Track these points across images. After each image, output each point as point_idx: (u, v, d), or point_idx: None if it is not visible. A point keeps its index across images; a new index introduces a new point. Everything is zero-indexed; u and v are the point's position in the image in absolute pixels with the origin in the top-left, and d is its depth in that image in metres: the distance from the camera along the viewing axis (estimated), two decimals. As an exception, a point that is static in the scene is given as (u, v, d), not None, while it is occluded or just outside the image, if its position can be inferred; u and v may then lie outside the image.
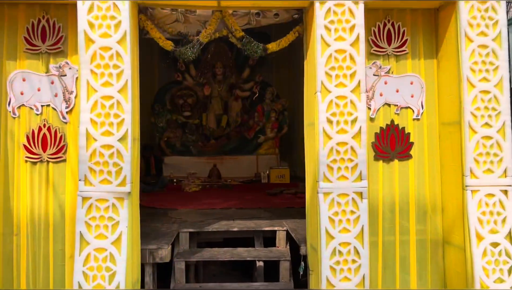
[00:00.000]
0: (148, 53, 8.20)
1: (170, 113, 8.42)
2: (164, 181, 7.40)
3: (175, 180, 7.64)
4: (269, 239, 4.88)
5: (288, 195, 6.63)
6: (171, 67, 8.22)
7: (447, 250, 4.25)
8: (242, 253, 4.56)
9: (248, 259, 4.41)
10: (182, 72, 8.45)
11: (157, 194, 6.78)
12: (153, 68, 8.70)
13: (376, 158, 4.29)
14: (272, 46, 4.39)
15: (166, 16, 4.41)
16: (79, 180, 3.85)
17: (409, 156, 4.31)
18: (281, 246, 4.78)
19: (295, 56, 7.90)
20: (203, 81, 8.54)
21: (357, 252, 3.92)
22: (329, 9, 3.95)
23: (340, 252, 3.90)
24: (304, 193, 4.43)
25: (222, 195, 6.67)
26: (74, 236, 3.94)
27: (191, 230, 4.77)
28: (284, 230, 4.82)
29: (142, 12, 4.24)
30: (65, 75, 4.13)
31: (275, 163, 8.13)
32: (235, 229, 4.81)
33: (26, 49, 4.12)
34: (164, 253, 4.25)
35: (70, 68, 4.14)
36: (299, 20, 4.38)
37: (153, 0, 4.09)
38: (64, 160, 4.13)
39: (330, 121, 3.97)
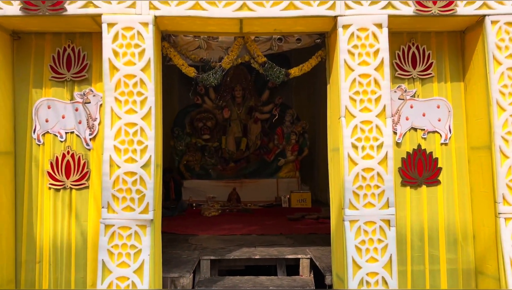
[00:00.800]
0: (169, 77, 8.38)
1: (190, 136, 8.50)
2: (184, 206, 7.42)
3: (194, 204, 7.66)
4: (292, 267, 4.81)
5: (310, 221, 6.55)
6: (190, 90, 8.37)
7: (480, 280, 4.14)
8: (265, 281, 4.50)
9: (270, 288, 4.36)
10: (201, 95, 8.57)
11: (177, 218, 6.80)
12: (173, 91, 8.85)
13: (403, 184, 4.25)
14: (294, 72, 4.43)
15: (189, 43, 4.50)
16: (102, 207, 3.89)
17: (437, 182, 4.25)
18: (305, 275, 4.71)
19: (315, 77, 7.96)
20: (222, 104, 8.64)
21: (385, 282, 3.84)
22: (352, 34, 3.99)
23: (367, 282, 3.83)
24: (326, 218, 4.43)
25: (242, 220, 6.64)
26: (96, 264, 3.96)
27: (212, 257, 4.75)
28: (308, 258, 4.75)
29: (165, 40, 4.35)
30: (89, 102, 4.25)
31: (296, 186, 8.08)
32: (257, 257, 4.77)
33: (52, 77, 4.25)
34: (185, 282, 4.23)
35: (94, 96, 4.26)
36: (321, 44, 4.43)
37: (176, 28, 4.20)
38: (87, 187, 4.20)
39: (355, 147, 3.98)
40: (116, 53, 3.98)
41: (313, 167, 8.73)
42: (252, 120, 8.72)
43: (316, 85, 8.31)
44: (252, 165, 8.51)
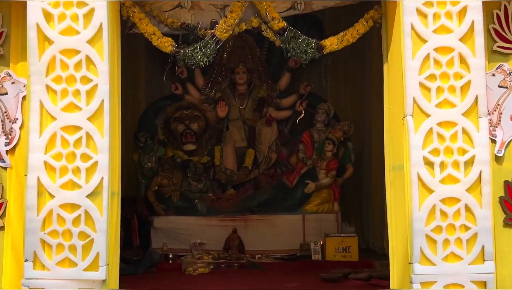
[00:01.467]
0: (131, 53, 8.31)
1: (164, 147, 8.46)
2: (154, 258, 7.37)
3: (171, 255, 7.60)
4: None
5: (356, 282, 6.52)
6: (165, 73, 8.38)
7: None
8: None
9: None
10: (182, 82, 8.58)
11: (143, 278, 6.79)
12: (138, 75, 8.87)
13: (508, 223, 4.27)
14: (331, 43, 4.49)
15: (164, 0, 4.57)
16: (25, 260, 3.91)
17: None
18: None
19: (364, 53, 7.91)
20: (215, 96, 8.65)
21: None
22: (423, -14, 4.07)
23: None
24: (383, 278, 4.45)
25: (247, 281, 6.60)
26: None
27: None
28: None
29: (126, -6, 4.43)
30: (5, 94, 4.29)
31: (334, 227, 8.01)
32: None
33: None
34: None
35: (13, 83, 4.30)
36: (374, 0, 4.49)
37: (144, -25, 4.29)
38: (1, 228, 4.22)
39: (429, 163, 4.02)
40: (48, 16, 4.02)
41: (361, 195, 8.65)
42: (263, 121, 8.71)
43: (365, 66, 8.23)
44: (263, 193, 8.44)
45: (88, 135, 3.99)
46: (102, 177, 3.96)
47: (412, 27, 4.05)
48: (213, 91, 8.75)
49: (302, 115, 8.47)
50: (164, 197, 8.26)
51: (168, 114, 8.60)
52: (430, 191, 4.01)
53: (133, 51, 8.26)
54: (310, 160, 8.48)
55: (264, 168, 8.62)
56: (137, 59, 8.70)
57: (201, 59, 4.45)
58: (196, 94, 8.74)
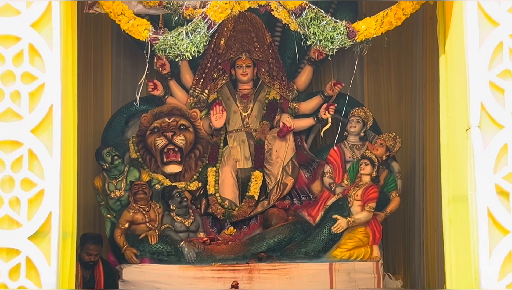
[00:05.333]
0: (93, 40, 8.45)
1: (137, 168, 8.47)
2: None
3: (146, 320, 7.62)
4: None
5: None
6: (138, 67, 8.40)
7: None
8: None
9: None
10: (164, 78, 8.59)
11: None
12: (102, 69, 8.87)
13: None
14: (368, 27, 4.55)
15: (136, -34, 4.62)
16: None
17: None
18: None
19: (413, 42, 7.92)
20: (208, 98, 8.66)
21: None
22: None
23: None
24: None
25: None
26: None
27: None
28: None
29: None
30: None
31: (372, 280, 8.01)
32: None
33: None
34: None
35: None
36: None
37: None
38: None
39: (503, 193, 4.06)
40: (-23, -10, 4.09)
41: (412, 236, 8.67)
42: (275, 133, 8.71)
43: (416, 57, 8.24)
44: (276, 233, 8.38)
45: (32, 154, 4.02)
46: (51, 212, 3.98)
47: (479, 5, 4.09)
48: (206, 91, 8.77)
49: (329, 124, 8.46)
50: (138, 239, 8.25)
51: (143, 123, 8.58)
52: (505, 231, 4.03)
53: (96, 36, 8.31)
54: (340, 187, 8.48)
55: (276, 199, 8.59)
56: (101, 47, 8.73)
57: (188, 49, 4.47)
58: (182, 96, 8.76)
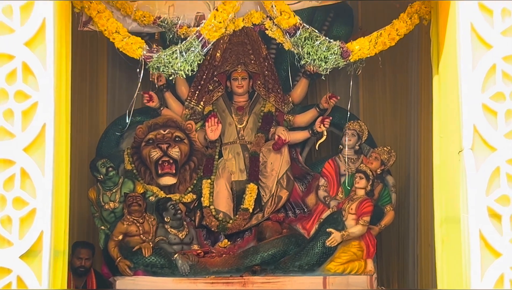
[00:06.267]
0: (87, 53, 8.46)
1: (132, 180, 8.44)
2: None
3: (139, 333, 7.61)
4: None
5: None
6: (133, 79, 8.38)
7: None
8: None
9: None
10: (160, 90, 8.58)
11: None
12: (98, 80, 8.86)
13: None
14: (361, 47, 4.57)
15: (131, -14, 4.62)
16: None
17: None
18: None
19: (408, 56, 7.94)
20: (204, 110, 8.65)
21: None
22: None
23: None
24: None
25: None
26: None
27: None
28: None
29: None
30: None
31: (366, 293, 8.03)
32: None
33: None
34: None
35: None
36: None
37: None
38: None
39: (496, 216, 4.06)
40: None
41: (406, 250, 8.68)
42: (270, 146, 8.70)
43: (412, 71, 8.25)
44: (270, 246, 8.37)
45: (24, 172, 4.02)
46: (42, 231, 3.98)
47: (472, 27, 4.10)
48: (202, 103, 8.77)
49: (324, 137, 8.46)
50: (132, 251, 8.25)
51: (138, 135, 8.57)
52: (497, 254, 4.03)
53: (92, 47, 8.32)
54: (334, 200, 8.47)
55: (270, 211, 8.58)
56: (97, 58, 8.73)
57: (182, 68, 4.48)
58: (177, 108, 8.75)
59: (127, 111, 7.44)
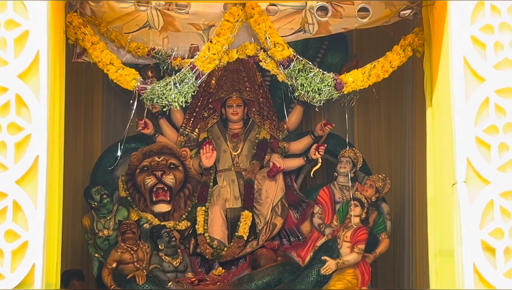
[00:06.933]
0: (85, 78, 8.47)
1: (126, 207, 8.41)
2: None
3: None
4: None
5: None
6: (128, 106, 8.38)
7: None
8: None
9: None
10: (155, 117, 8.57)
11: None
12: (92, 109, 8.89)
13: None
14: (355, 79, 4.62)
15: (125, 16, 4.62)
16: None
17: None
18: None
19: (403, 84, 7.95)
20: (199, 137, 8.65)
21: None
22: (479, 4, 4.12)
23: None
24: None
25: None
26: None
27: None
28: None
29: (73, 9, 4.47)
30: None
31: (362, 322, 7.99)
32: None
33: None
34: None
35: None
36: (414, 21, 4.57)
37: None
38: None
39: (489, 249, 4.05)
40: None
41: (401, 278, 8.63)
42: (265, 173, 8.70)
43: (406, 99, 8.27)
44: (264, 274, 8.32)
45: (16, 205, 4.01)
46: (34, 264, 3.96)
47: (465, 61, 4.13)
48: (196, 130, 8.77)
49: (319, 165, 8.45)
50: (126, 278, 8.22)
51: (133, 162, 8.54)
52: (491, 287, 4.03)
53: (87, 74, 8.32)
54: (329, 228, 8.45)
55: (265, 239, 8.56)
56: (92, 85, 8.74)
57: (176, 99, 4.49)
58: (172, 135, 8.74)
59: (120, 140, 7.46)
